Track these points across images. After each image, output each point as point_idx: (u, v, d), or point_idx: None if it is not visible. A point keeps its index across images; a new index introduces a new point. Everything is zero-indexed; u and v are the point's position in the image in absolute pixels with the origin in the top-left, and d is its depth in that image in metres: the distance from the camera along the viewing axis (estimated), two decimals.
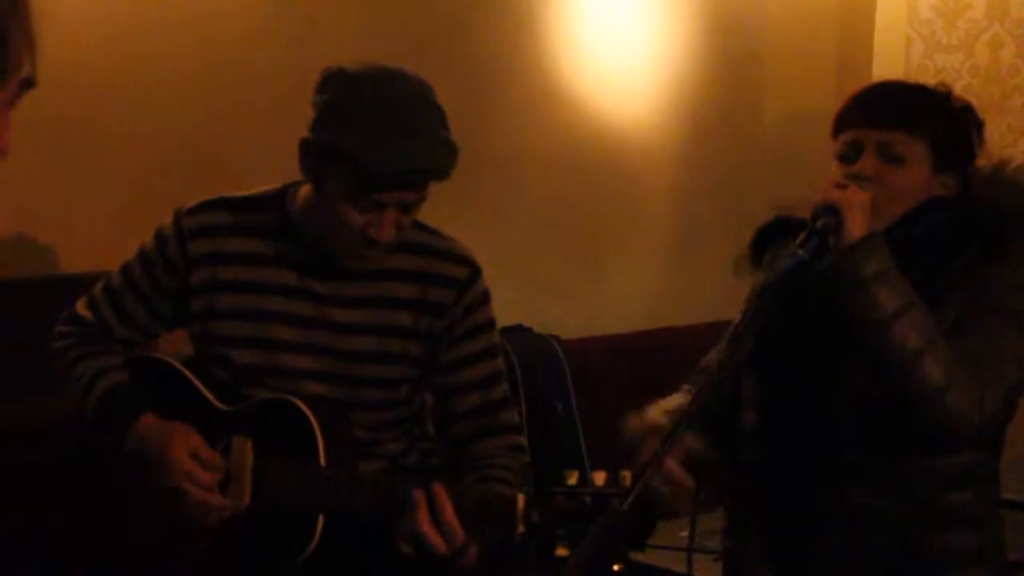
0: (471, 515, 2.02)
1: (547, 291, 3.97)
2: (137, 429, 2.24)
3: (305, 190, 2.26)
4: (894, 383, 2.05)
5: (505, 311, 3.58)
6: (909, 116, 2.17)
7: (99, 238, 3.03)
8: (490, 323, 2.36)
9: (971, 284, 2.11)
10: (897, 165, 2.15)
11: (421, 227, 2.31)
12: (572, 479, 1.85)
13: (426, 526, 2.02)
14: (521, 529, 1.91)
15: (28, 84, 1.13)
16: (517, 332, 3.71)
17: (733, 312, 2.28)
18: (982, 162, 2.23)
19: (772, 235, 2.34)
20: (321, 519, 2.11)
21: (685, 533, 2.47)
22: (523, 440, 2.37)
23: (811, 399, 2.18)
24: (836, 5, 4.61)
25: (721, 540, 2.40)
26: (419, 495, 2.04)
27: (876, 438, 2.13)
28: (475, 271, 2.32)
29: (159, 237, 2.34)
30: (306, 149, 2.16)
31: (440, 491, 2.04)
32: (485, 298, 2.34)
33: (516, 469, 2.28)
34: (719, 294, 3.50)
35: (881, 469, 2.14)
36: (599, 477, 1.83)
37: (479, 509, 2.02)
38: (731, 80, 4.36)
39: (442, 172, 2.14)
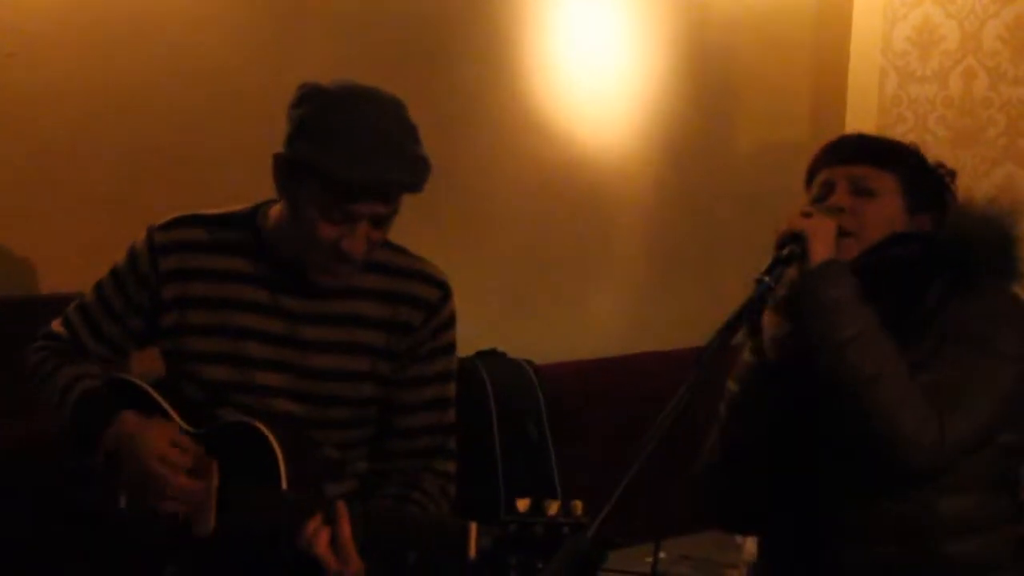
0: (425, 540, 2.03)
1: (521, 316, 3.98)
2: (116, 425, 2.25)
3: (277, 208, 2.28)
4: (849, 409, 2.05)
5: (479, 335, 3.60)
6: (878, 153, 2.23)
7: (75, 258, 3.03)
8: (451, 347, 2.37)
9: (943, 316, 2.11)
10: (869, 197, 2.18)
11: (392, 247, 2.32)
12: (523, 507, 1.86)
13: (323, 549, 2.06)
14: (472, 555, 1.92)
15: None
16: (491, 357, 3.71)
17: (707, 338, 2.28)
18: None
19: None
20: (286, 542, 2.11)
21: (650, 559, 2.48)
22: (453, 468, 2.37)
23: (806, 442, 2.18)
24: (811, 35, 4.65)
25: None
26: (316, 517, 2.07)
27: (862, 480, 2.11)
28: (445, 293, 2.33)
29: (131, 253, 2.35)
30: (280, 163, 2.18)
31: (340, 509, 2.06)
32: (451, 321, 2.35)
33: (438, 497, 2.30)
34: (693, 320, 3.51)
35: (876, 515, 2.12)
36: (552, 507, 1.84)
37: (432, 534, 2.03)
38: (706, 109, 4.39)
39: (414, 184, 2.16)
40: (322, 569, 2.08)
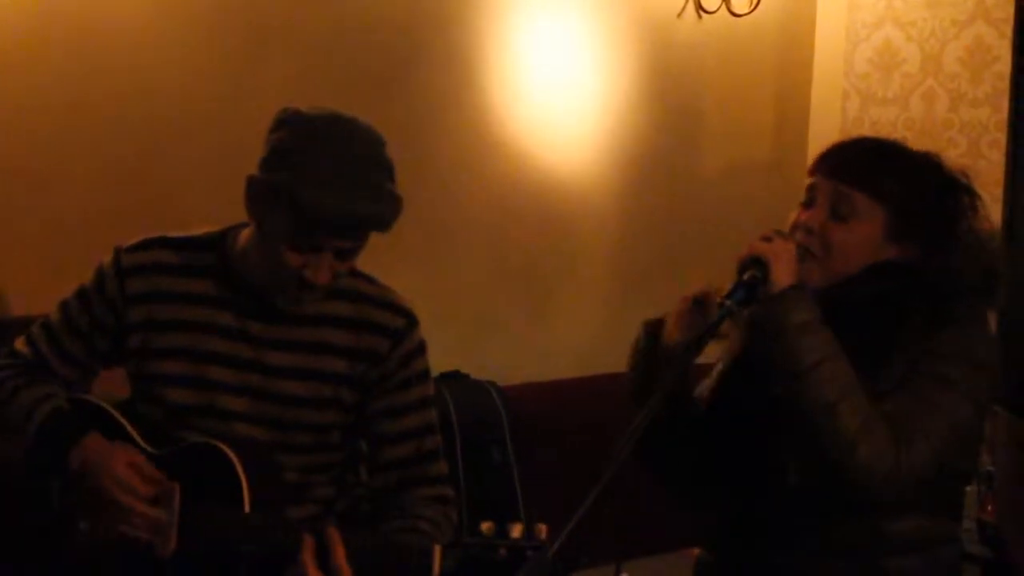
0: (390, 563, 2.02)
1: (484, 337, 3.97)
2: (83, 446, 2.23)
3: (246, 233, 2.27)
4: (810, 435, 2.05)
5: (442, 357, 3.58)
6: (868, 176, 2.17)
7: (37, 282, 3.02)
8: (425, 374, 2.36)
9: (914, 348, 2.10)
10: (842, 222, 2.15)
11: (359, 275, 2.31)
12: (487, 529, 1.85)
13: (311, 570, 2.02)
14: None
15: None
16: (454, 378, 3.71)
17: None
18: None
19: None
20: (245, 565, 2.10)
21: None
22: (451, 492, 2.36)
23: (757, 458, 2.18)
24: (774, 58, 4.68)
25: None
26: (308, 539, 2.04)
27: (819, 498, 2.11)
28: (411, 321, 2.32)
29: (99, 274, 2.34)
30: (253, 186, 2.17)
31: (333, 535, 2.03)
32: (421, 349, 2.34)
33: (442, 523, 2.28)
34: None
35: (827, 531, 2.12)
36: (516, 529, 1.83)
37: (396, 557, 2.01)
38: (670, 130, 4.41)
39: (382, 223, 2.15)
40: None
